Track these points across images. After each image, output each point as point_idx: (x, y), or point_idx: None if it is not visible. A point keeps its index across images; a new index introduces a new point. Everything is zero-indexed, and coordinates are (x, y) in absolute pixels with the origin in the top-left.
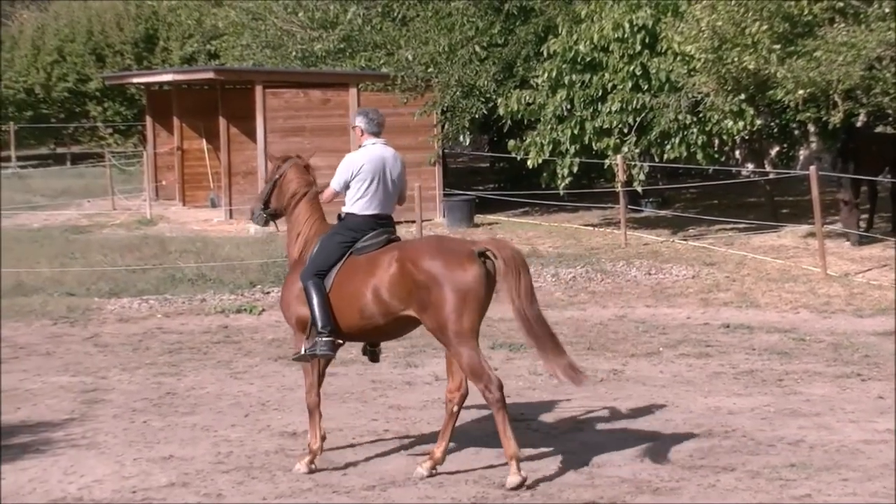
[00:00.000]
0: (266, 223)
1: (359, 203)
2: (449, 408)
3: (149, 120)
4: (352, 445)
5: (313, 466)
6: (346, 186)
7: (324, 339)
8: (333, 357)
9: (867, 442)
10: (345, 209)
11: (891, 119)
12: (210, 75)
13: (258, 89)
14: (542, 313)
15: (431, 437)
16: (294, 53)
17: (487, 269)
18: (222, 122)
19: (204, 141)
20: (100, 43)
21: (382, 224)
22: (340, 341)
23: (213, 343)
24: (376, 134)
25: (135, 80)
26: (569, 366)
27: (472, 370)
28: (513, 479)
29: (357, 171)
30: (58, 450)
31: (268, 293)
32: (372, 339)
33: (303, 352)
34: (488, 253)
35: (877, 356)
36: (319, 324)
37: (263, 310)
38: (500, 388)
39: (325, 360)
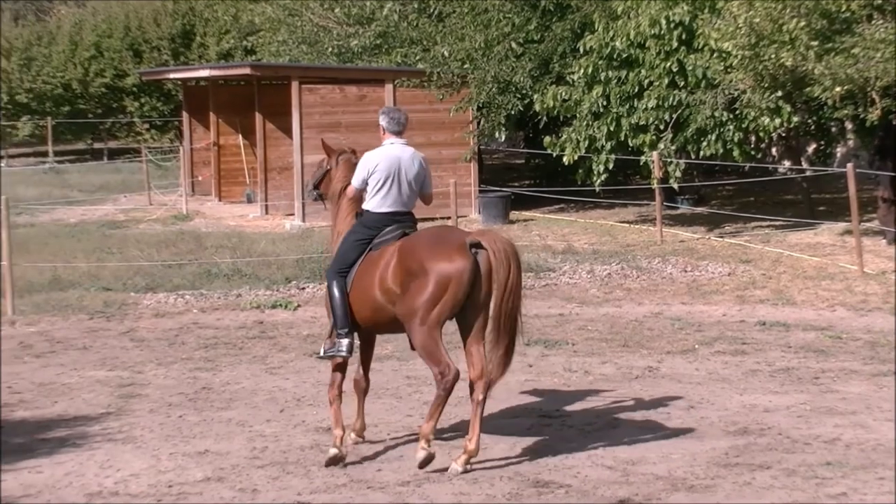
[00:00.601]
0: (315, 200)
1: (374, 200)
2: (474, 397)
3: (185, 115)
4: (386, 441)
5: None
6: (366, 184)
7: (342, 340)
8: (349, 357)
9: None
10: (363, 206)
11: None
12: (246, 71)
13: (294, 85)
14: (519, 312)
15: (467, 433)
16: (330, 49)
17: (477, 261)
18: (258, 117)
19: (240, 136)
20: (137, 39)
21: (398, 220)
22: (356, 341)
23: (248, 338)
24: (397, 133)
25: (171, 76)
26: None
27: (428, 352)
28: (419, 454)
29: (373, 170)
30: (94, 444)
31: (303, 289)
32: (389, 331)
33: (321, 353)
34: (482, 244)
35: None
36: (338, 324)
37: (299, 305)
38: (457, 378)
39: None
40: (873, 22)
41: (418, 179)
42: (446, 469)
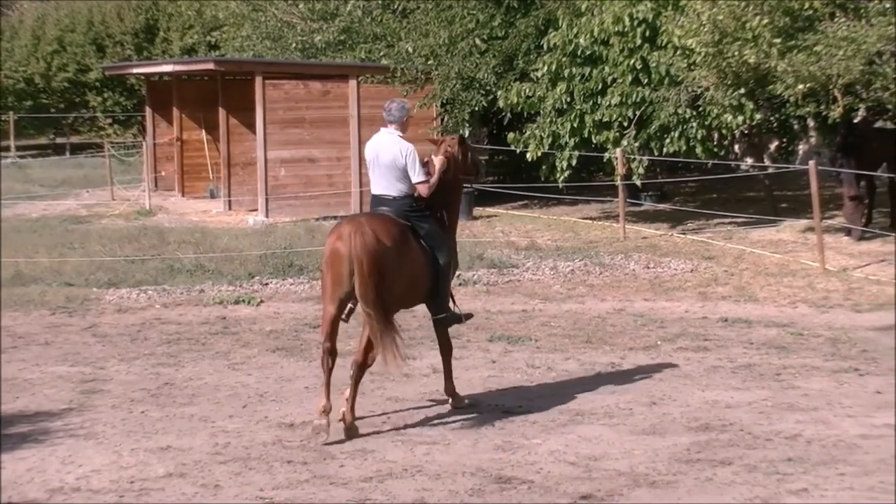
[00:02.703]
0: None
1: (371, 184)
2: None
3: (148, 110)
4: (350, 438)
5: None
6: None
7: None
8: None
9: (864, 437)
10: None
11: (890, 114)
12: (210, 66)
13: (258, 80)
14: (369, 296)
15: (429, 429)
16: (294, 45)
17: (337, 247)
18: (222, 113)
19: (203, 132)
20: (100, 33)
21: (381, 203)
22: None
23: (211, 334)
24: (391, 122)
25: (135, 71)
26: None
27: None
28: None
29: (367, 157)
30: (56, 439)
31: (266, 285)
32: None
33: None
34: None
35: (874, 351)
36: None
37: (262, 301)
38: (329, 352)
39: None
40: (836, 20)
41: (393, 166)
42: (414, 467)
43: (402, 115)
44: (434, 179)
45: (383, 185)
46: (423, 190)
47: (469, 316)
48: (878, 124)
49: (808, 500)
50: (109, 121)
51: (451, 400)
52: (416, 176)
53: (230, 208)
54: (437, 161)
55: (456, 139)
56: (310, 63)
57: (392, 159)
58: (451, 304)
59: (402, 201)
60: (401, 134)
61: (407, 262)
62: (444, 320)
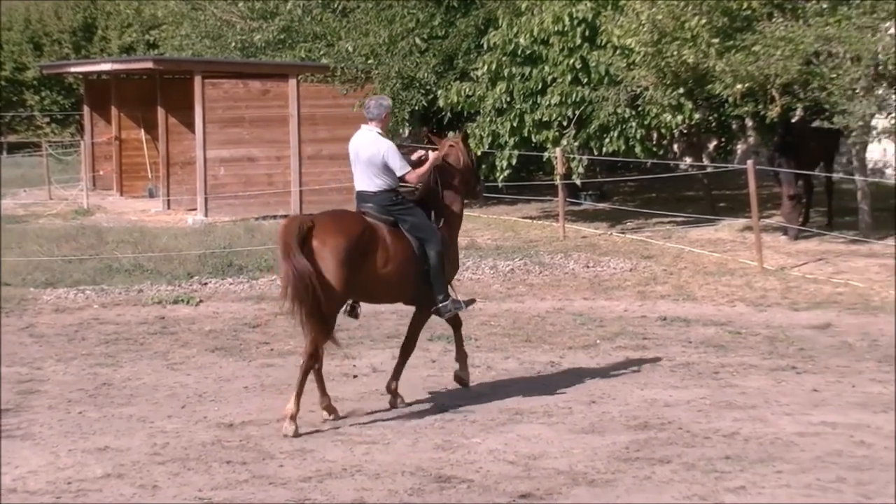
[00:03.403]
0: None
1: (354, 181)
2: None
3: (86, 110)
4: (288, 436)
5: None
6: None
7: None
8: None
9: (801, 434)
10: None
11: (827, 114)
12: (149, 65)
13: (197, 79)
14: (300, 292)
15: (369, 429)
16: (233, 44)
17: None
18: (161, 112)
19: (142, 131)
20: (37, 31)
21: (363, 199)
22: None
23: (149, 334)
24: (370, 119)
25: (73, 70)
26: None
27: None
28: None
29: (350, 154)
30: None
31: (205, 284)
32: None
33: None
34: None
35: (811, 349)
36: None
37: (201, 301)
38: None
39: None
40: (773, 20)
41: (371, 163)
42: (353, 467)
43: (381, 111)
44: (424, 169)
45: (365, 181)
46: (412, 178)
47: (471, 302)
48: (816, 124)
49: (746, 497)
50: (47, 120)
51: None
52: (400, 168)
53: (169, 207)
54: (432, 156)
55: (460, 139)
56: (249, 62)
57: (370, 156)
58: (449, 296)
59: (382, 196)
60: (379, 131)
61: (370, 259)
62: (442, 310)
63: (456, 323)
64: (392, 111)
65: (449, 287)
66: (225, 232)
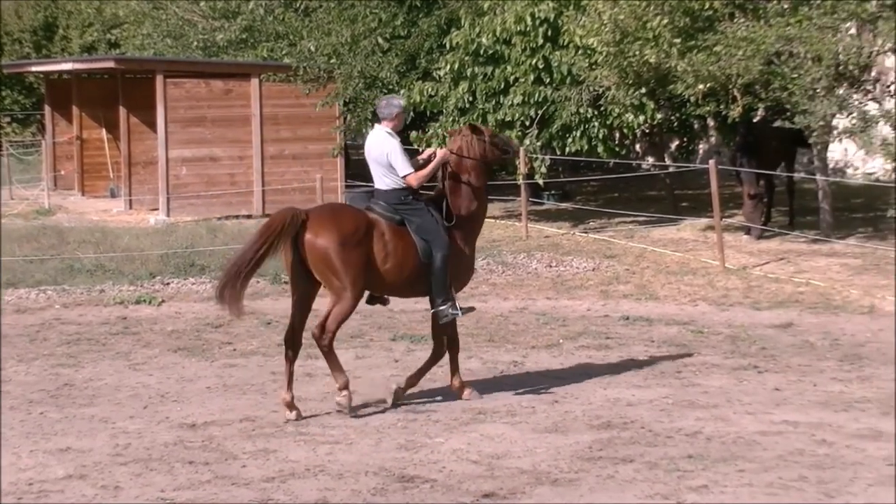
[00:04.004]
0: None
1: None
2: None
3: (48, 109)
4: (252, 437)
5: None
6: None
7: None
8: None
9: (763, 433)
10: None
11: (788, 114)
12: (110, 64)
13: (159, 79)
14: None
15: (332, 429)
16: (195, 43)
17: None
18: (122, 111)
19: (104, 131)
20: None
21: (378, 196)
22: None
23: (111, 334)
24: (382, 119)
25: (33, 69)
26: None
27: None
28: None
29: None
30: None
31: (167, 284)
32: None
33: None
34: None
35: (773, 348)
36: None
37: (163, 301)
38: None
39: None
40: (735, 20)
41: (379, 161)
42: (317, 467)
43: (391, 111)
44: (425, 172)
45: (376, 179)
46: (410, 181)
47: (469, 309)
48: (777, 124)
49: (708, 496)
50: (8, 119)
51: (462, 394)
52: (402, 169)
53: (131, 207)
54: (439, 154)
55: (467, 128)
56: (211, 61)
57: (377, 155)
58: (449, 300)
59: (391, 194)
60: (389, 130)
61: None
62: (439, 314)
63: (452, 343)
64: (406, 110)
65: (449, 296)
66: (187, 232)
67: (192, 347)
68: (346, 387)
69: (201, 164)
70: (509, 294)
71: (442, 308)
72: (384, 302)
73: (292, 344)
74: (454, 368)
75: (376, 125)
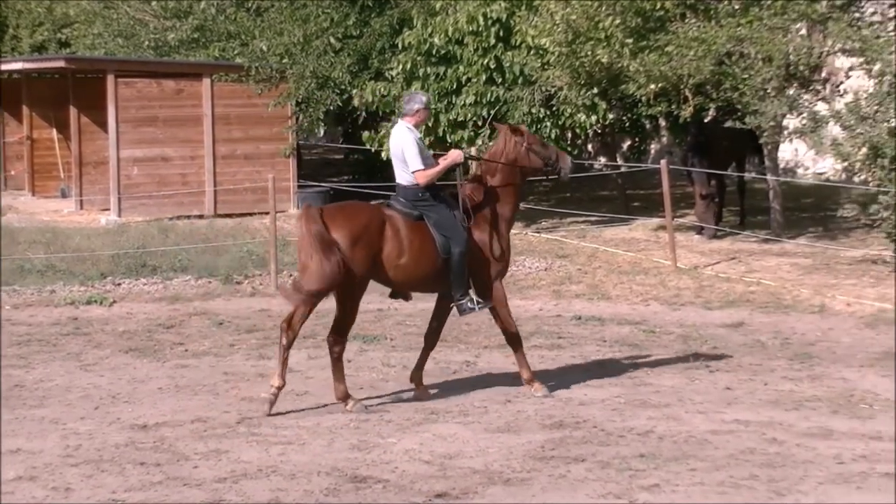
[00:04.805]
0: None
1: None
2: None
3: None
4: (204, 437)
5: None
6: None
7: None
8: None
9: (715, 432)
10: None
11: (739, 114)
12: (61, 64)
13: (110, 79)
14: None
15: (284, 429)
16: (147, 43)
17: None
18: (73, 111)
19: (54, 130)
20: None
21: (397, 191)
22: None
23: (62, 335)
24: (404, 115)
25: None
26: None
27: None
28: None
29: None
30: None
31: (119, 285)
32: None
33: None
34: None
35: (725, 348)
36: None
37: (114, 301)
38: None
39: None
40: (686, 21)
41: (396, 155)
42: (269, 467)
43: (412, 106)
44: (434, 171)
45: (397, 174)
46: (419, 178)
47: (488, 305)
48: (728, 124)
49: (660, 495)
50: None
51: (532, 387)
52: (413, 164)
53: (82, 208)
54: (451, 155)
55: (507, 128)
56: (163, 61)
57: (395, 150)
58: (467, 295)
59: (409, 190)
60: (410, 126)
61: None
62: (459, 308)
63: (513, 340)
64: (428, 106)
65: (468, 291)
66: (138, 232)
67: (144, 348)
68: (345, 396)
69: (153, 164)
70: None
71: (461, 302)
72: (406, 297)
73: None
74: (521, 362)
75: (399, 120)
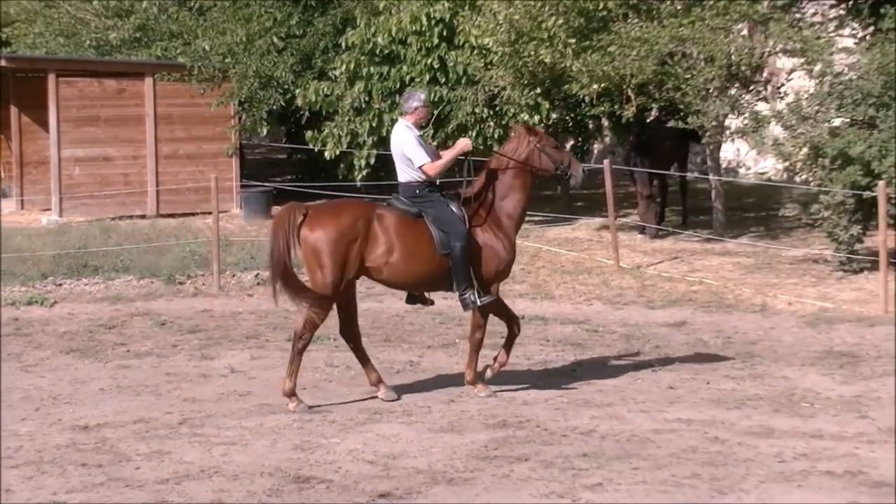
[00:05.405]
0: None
1: None
2: None
3: None
4: (146, 438)
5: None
6: None
7: None
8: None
9: (657, 431)
10: None
11: (682, 114)
12: (1, 63)
13: (51, 78)
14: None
15: (227, 430)
16: (88, 42)
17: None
18: (14, 110)
19: None
20: None
21: (399, 189)
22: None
23: (3, 335)
24: (403, 114)
25: None
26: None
27: None
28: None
29: None
30: None
31: (60, 285)
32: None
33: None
34: None
35: (667, 347)
36: None
37: (55, 302)
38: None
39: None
40: (629, 21)
41: (397, 153)
42: (212, 468)
43: (410, 105)
44: (442, 161)
45: (398, 173)
46: (428, 170)
47: (490, 299)
48: (670, 124)
49: (603, 494)
50: None
51: (476, 388)
52: (417, 159)
53: (23, 208)
54: (459, 143)
55: (521, 127)
56: (105, 60)
57: (396, 148)
58: (470, 289)
59: (408, 187)
60: (409, 124)
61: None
62: (462, 303)
63: (478, 344)
64: (427, 104)
65: (473, 286)
66: (80, 232)
67: (85, 349)
68: (291, 393)
69: (94, 163)
70: (405, 294)
71: (464, 297)
72: (426, 301)
73: (349, 336)
74: (472, 362)
75: (398, 120)
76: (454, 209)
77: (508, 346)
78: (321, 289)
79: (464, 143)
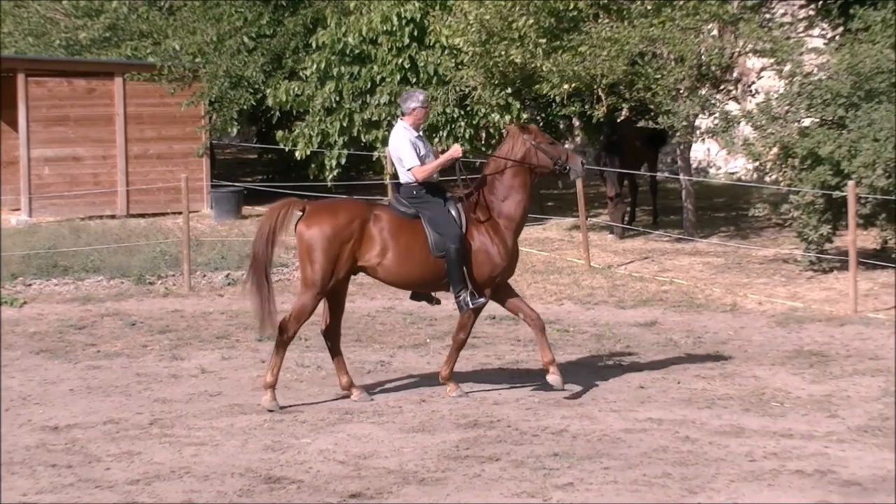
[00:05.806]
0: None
1: None
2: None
3: None
4: (116, 439)
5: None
6: None
7: None
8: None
9: (628, 431)
10: None
11: (652, 114)
12: None
13: (20, 78)
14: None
15: (198, 430)
16: (58, 42)
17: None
18: None
19: None
20: None
21: (399, 190)
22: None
23: None
24: (402, 114)
25: None
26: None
27: None
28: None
29: None
30: None
31: (29, 286)
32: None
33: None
34: None
35: (638, 346)
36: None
37: (25, 302)
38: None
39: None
40: (600, 21)
41: (393, 154)
42: (182, 469)
43: (408, 105)
44: (431, 166)
45: (399, 174)
46: (416, 174)
47: (483, 302)
48: (641, 124)
49: (574, 493)
50: None
51: (447, 387)
52: (408, 161)
53: None
54: (451, 150)
55: (515, 127)
56: (74, 60)
57: (392, 149)
58: (464, 291)
59: (406, 188)
60: (407, 125)
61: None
62: (457, 304)
63: (460, 344)
64: (426, 104)
65: (466, 287)
66: (50, 232)
67: (55, 349)
68: (271, 386)
69: (64, 163)
70: (376, 293)
71: (459, 298)
72: (431, 300)
73: (330, 335)
74: (451, 360)
75: (398, 120)
76: (451, 211)
77: (542, 346)
78: (310, 284)
79: (454, 150)
